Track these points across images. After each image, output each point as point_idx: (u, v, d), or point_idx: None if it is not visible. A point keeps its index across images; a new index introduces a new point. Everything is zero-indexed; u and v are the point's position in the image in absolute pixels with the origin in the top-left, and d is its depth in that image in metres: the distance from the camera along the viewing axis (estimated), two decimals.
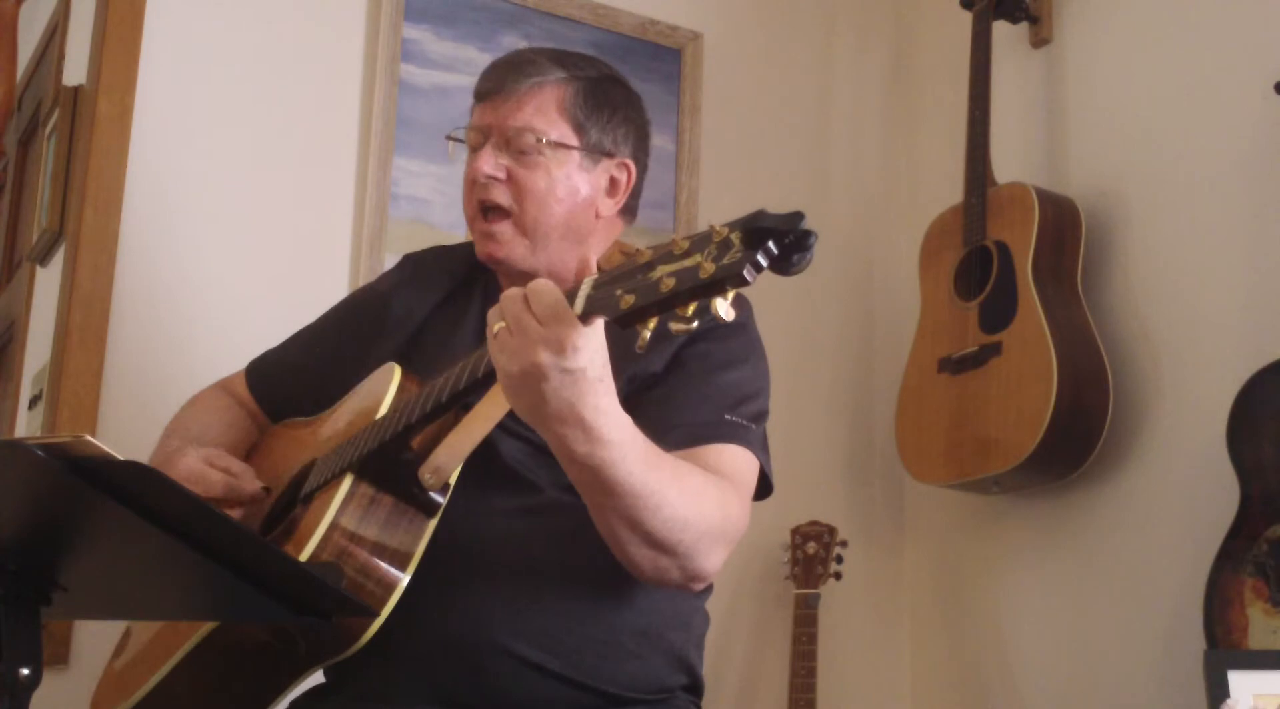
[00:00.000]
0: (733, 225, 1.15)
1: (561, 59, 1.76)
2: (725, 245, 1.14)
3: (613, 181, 1.76)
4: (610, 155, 1.75)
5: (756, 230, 1.13)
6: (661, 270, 1.18)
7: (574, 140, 1.72)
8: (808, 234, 1.14)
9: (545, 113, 1.71)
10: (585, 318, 1.28)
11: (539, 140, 1.69)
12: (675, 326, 1.19)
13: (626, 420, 1.41)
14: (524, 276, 1.67)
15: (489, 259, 1.72)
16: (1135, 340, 2.62)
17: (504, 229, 1.70)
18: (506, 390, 1.37)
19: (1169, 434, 2.54)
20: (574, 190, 1.71)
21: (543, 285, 1.30)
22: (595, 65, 1.79)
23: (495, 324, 1.33)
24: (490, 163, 1.69)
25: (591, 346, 1.32)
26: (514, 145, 1.70)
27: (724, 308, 1.15)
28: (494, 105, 1.72)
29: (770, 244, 1.13)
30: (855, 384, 3.11)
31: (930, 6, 3.19)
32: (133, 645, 1.72)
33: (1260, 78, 2.40)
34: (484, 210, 1.71)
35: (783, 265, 1.15)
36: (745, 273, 1.12)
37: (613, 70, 1.81)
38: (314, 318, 1.97)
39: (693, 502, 1.50)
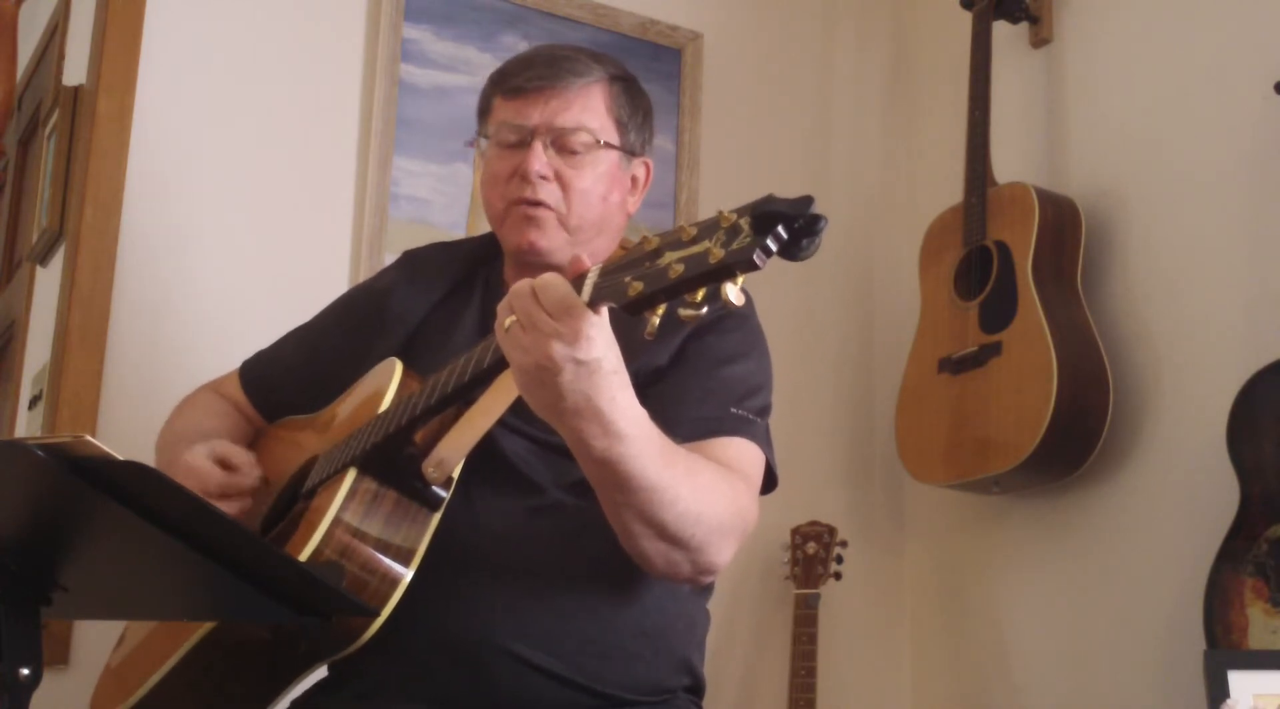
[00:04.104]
0: (741, 211, 1.15)
1: (597, 57, 1.76)
2: (734, 231, 1.14)
3: (634, 180, 1.78)
4: (639, 155, 1.77)
5: (766, 215, 1.12)
6: (669, 257, 1.17)
7: (617, 140, 1.73)
8: (817, 218, 1.13)
9: (596, 112, 1.71)
10: (593, 306, 1.27)
11: (597, 141, 1.70)
12: (684, 313, 1.18)
13: (643, 415, 1.41)
14: (550, 269, 1.68)
15: (530, 247, 1.69)
16: (1135, 340, 2.62)
17: (549, 218, 1.69)
18: (522, 386, 1.36)
19: (1169, 434, 2.54)
20: (611, 189, 1.72)
21: (551, 279, 1.30)
22: (619, 64, 1.79)
23: (506, 319, 1.33)
24: (542, 161, 1.68)
25: (604, 337, 1.32)
26: (565, 144, 1.69)
27: (734, 294, 1.14)
28: (540, 101, 1.70)
29: (780, 229, 1.12)
30: (855, 384, 3.11)
31: (930, 6, 3.19)
32: (132, 643, 1.72)
33: (1260, 78, 2.40)
34: (525, 204, 1.69)
35: (792, 250, 1.14)
36: (755, 258, 1.11)
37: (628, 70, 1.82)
38: (312, 317, 1.97)
39: (706, 496, 1.50)
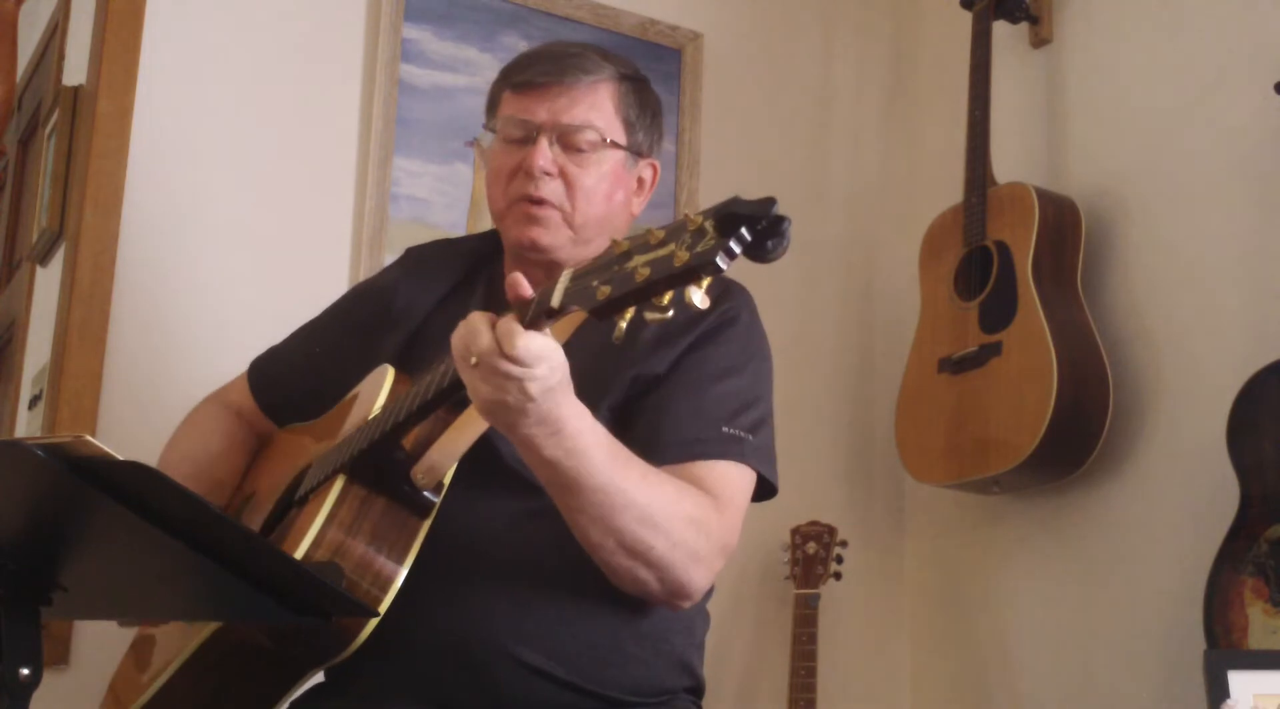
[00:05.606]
0: (706, 213, 1.15)
1: (607, 56, 1.75)
2: (700, 234, 1.14)
3: (640, 181, 1.77)
4: (646, 156, 1.76)
5: (730, 217, 1.13)
6: (637, 260, 1.18)
7: (624, 140, 1.72)
8: (781, 220, 1.14)
9: (603, 110, 1.71)
10: (562, 310, 1.27)
11: (603, 140, 1.69)
12: (650, 316, 1.18)
13: (588, 415, 1.43)
14: (550, 265, 1.68)
15: (531, 244, 1.69)
16: (1135, 340, 2.62)
17: (552, 216, 1.68)
18: (479, 408, 1.39)
19: (1169, 434, 2.54)
20: (615, 188, 1.72)
21: (508, 327, 1.31)
22: (630, 64, 1.78)
23: (470, 358, 1.34)
24: (546, 157, 1.67)
25: (556, 359, 1.34)
26: (570, 142, 1.68)
27: (699, 297, 1.15)
28: (547, 98, 1.69)
29: (744, 231, 1.12)
30: (855, 384, 3.11)
31: (930, 6, 3.19)
32: (139, 652, 1.72)
33: (1260, 78, 2.40)
34: (530, 201, 1.69)
35: (758, 252, 1.14)
36: (719, 260, 1.12)
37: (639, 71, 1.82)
38: (318, 314, 1.96)
39: (662, 504, 1.50)
